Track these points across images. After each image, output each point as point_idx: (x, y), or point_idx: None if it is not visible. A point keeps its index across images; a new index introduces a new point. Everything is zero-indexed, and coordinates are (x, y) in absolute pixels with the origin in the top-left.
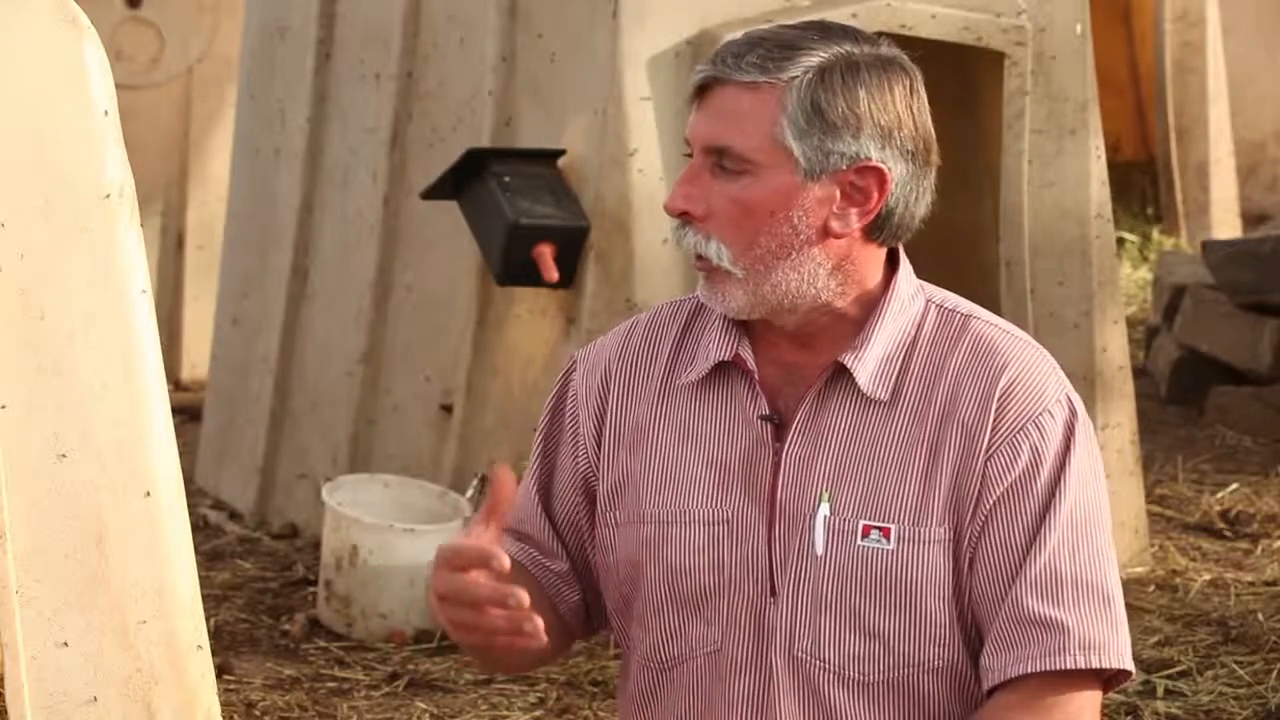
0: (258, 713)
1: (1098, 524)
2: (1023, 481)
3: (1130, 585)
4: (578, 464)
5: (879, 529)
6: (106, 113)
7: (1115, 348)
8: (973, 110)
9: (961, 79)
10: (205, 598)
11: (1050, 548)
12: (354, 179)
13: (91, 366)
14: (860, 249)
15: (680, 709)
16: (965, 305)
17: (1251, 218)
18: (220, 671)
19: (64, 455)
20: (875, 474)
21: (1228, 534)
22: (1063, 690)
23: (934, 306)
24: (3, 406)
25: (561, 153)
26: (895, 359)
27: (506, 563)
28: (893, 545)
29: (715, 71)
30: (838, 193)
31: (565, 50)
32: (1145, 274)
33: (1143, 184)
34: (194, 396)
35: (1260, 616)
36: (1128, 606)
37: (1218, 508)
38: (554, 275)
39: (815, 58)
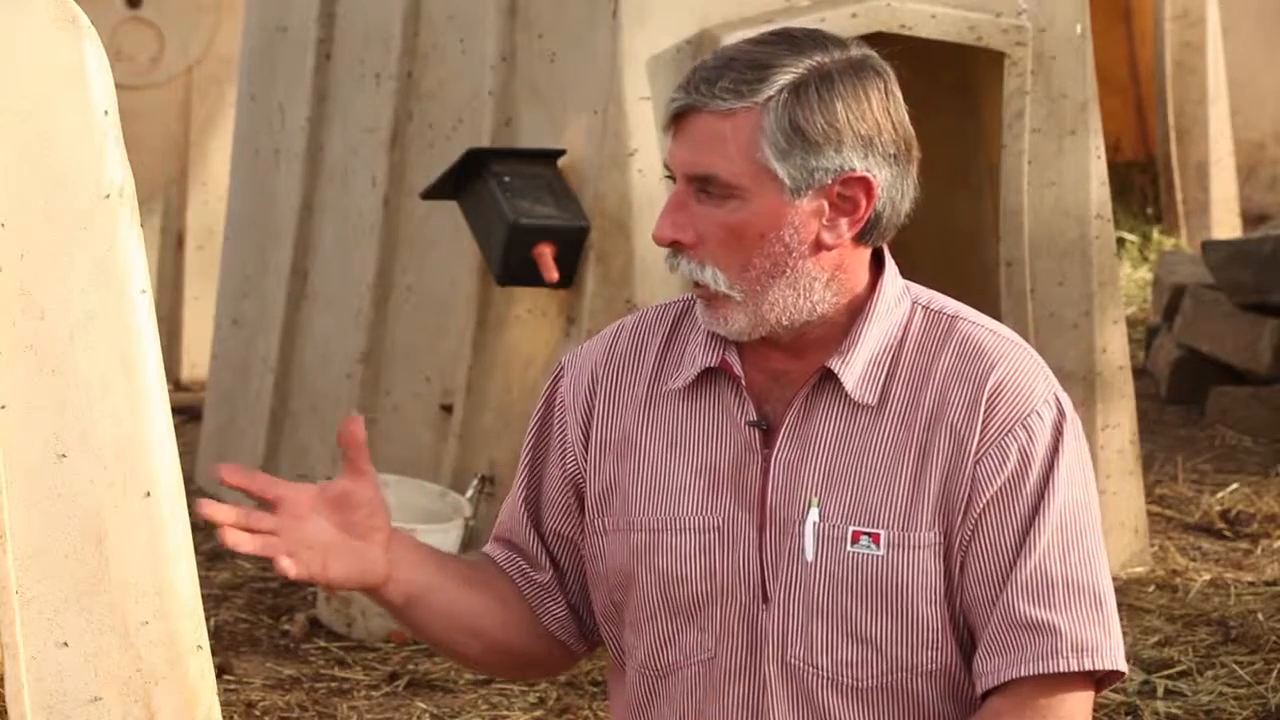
0: (258, 713)
1: (1087, 524)
2: (1012, 483)
3: (1130, 585)
4: (565, 471)
5: (869, 535)
6: (106, 113)
7: (1115, 348)
8: (973, 110)
9: (961, 79)
10: (205, 598)
11: (1040, 550)
12: (354, 179)
13: (91, 366)
14: (850, 254)
15: (675, 716)
16: (951, 306)
17: (1251, 218)
18: (220, 671)
19: (64, 455)
20: (864, 479)
21: (1228, 534)
22: (1055, 692)
23: (920, 308)
24: (3, 406)
25: (561, 153)
26: (882, 363)
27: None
28: (883, 551)
29: (690, 100)
30: (826, 205)
31: (565, 50)
32: (1145, 274)
33: (1143, 184)
34: (194, 396)
35: (1260, 616)
36: (1128, 606)
37: (1218, 508)
38: (554, 275)
39: (788, 74)
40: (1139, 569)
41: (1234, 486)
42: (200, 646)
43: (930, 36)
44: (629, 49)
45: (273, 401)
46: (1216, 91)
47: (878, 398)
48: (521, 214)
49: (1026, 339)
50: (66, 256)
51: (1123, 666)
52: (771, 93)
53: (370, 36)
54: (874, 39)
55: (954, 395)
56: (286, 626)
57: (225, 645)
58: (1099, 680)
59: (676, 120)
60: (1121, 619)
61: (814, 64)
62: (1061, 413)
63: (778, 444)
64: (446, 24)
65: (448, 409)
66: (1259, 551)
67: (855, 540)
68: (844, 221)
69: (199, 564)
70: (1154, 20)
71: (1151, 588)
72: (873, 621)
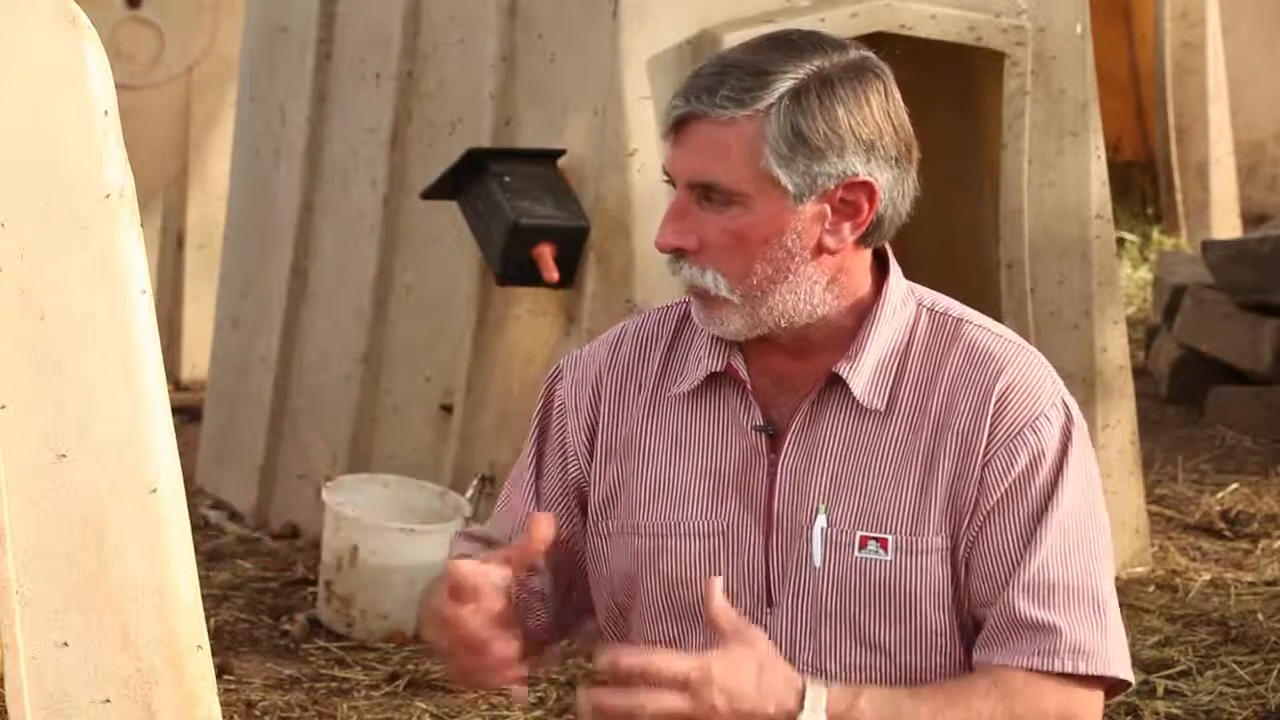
0: (258, 713)
1: (1093, 530)
2: (1019, 486)
3: (1130, 585)
4: (568, 474)
5: (876, 540)
6: (106, 113)
7: (1115, 348)
8: (973, 110)
9: (961, 79)
10: (205, 598)
11: (1043, 553)
12: (354, 179)
13: (91, 366)
14: (852, 257)
15: None
16: (956, 308)
17: (1251, 218)
18: (220, 671)
19: (64, 455)
20: (871, 485)
21: (1228, 534)
22: (1050, 689)
23: (925, 311)
24: (3, 406)
25: (561, 153)
26: (889, 367)
27: (497, 607)
28: (890, 556)
29: (691, 108)
30: (828, 210)
31: (565, 50)
32: (1145, 274)
33: (1143, 184)
34: (194, 396)
35: (1260, 616)
36: (1128, 606)
37: (1218, 508)
38: (554, 275)
39: (788, 80)
40: (1139, 569)
41: (1234, 486)
42: (200, 646)
43: (930, 36)
44: (629, 49)
45: (273, 401)
46: (1216, 91)
47: (885, 402)
48: (522, 214)
49: (1027, 339)
50: (66, 256)
51: (1125, 675)
52: (773, 99)
53: (370, 36)
54: (874, 39)
55: (962, 399)
56: (286, 626)
57: (225, 645)
58: (1108, 688)
59: (677, 128)
60: (1122, 619)
61: (814, 69)
62: (1070, 417)
63: (784, 449)
64: (446, 24)
65: (448, 409)
66: (1259, 551)
67: (863, 545)
68: (846, 225)
69: (199, 564)
70: (1154, 20)
71: (1151, 588)
72: (881, 627)
